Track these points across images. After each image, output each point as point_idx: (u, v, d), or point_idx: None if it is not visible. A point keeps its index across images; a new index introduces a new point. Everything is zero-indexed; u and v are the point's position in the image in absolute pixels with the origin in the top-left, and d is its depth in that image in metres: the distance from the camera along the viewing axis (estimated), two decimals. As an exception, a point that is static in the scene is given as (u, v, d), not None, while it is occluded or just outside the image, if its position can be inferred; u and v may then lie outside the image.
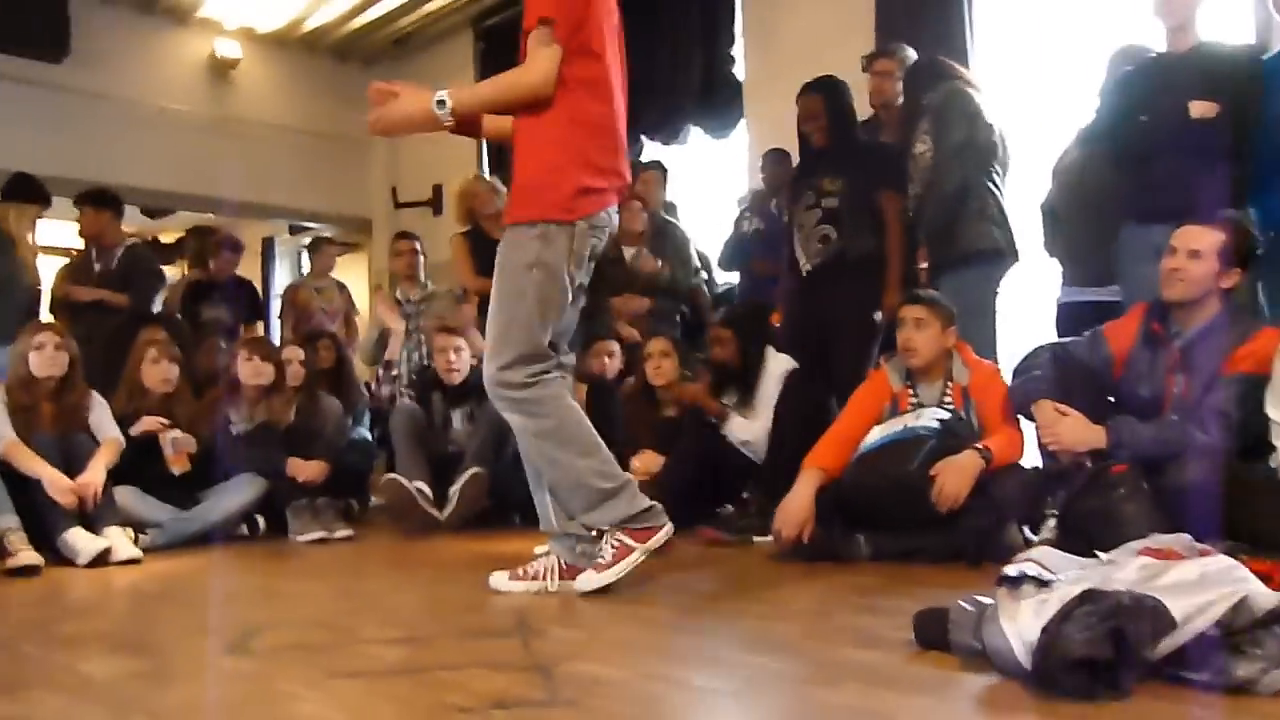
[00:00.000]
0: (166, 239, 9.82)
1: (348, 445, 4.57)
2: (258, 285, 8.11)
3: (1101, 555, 1.69)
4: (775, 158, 5.05)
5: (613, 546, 2.36)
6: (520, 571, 2.49)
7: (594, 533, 2.44)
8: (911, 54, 4.36)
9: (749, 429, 3.67)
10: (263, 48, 7.95)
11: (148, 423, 3.81)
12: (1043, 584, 1.56)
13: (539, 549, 2.63)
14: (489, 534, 3.85)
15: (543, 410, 2.35)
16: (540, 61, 2.29)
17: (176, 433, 3.82)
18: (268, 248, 9.63)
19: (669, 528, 2.42)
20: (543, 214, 2.33)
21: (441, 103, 2.32)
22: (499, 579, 2.50)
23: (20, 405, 3.62)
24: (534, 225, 2.33)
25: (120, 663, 1.88)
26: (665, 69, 6.29)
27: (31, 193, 5.26)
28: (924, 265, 3.82)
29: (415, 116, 2.37)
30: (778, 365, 3.74)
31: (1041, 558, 1.65)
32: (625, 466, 3.80)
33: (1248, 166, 3.20)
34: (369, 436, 5.04)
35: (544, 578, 2.46)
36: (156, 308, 5.52)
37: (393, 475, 4.02)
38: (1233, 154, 3.17)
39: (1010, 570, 1.62)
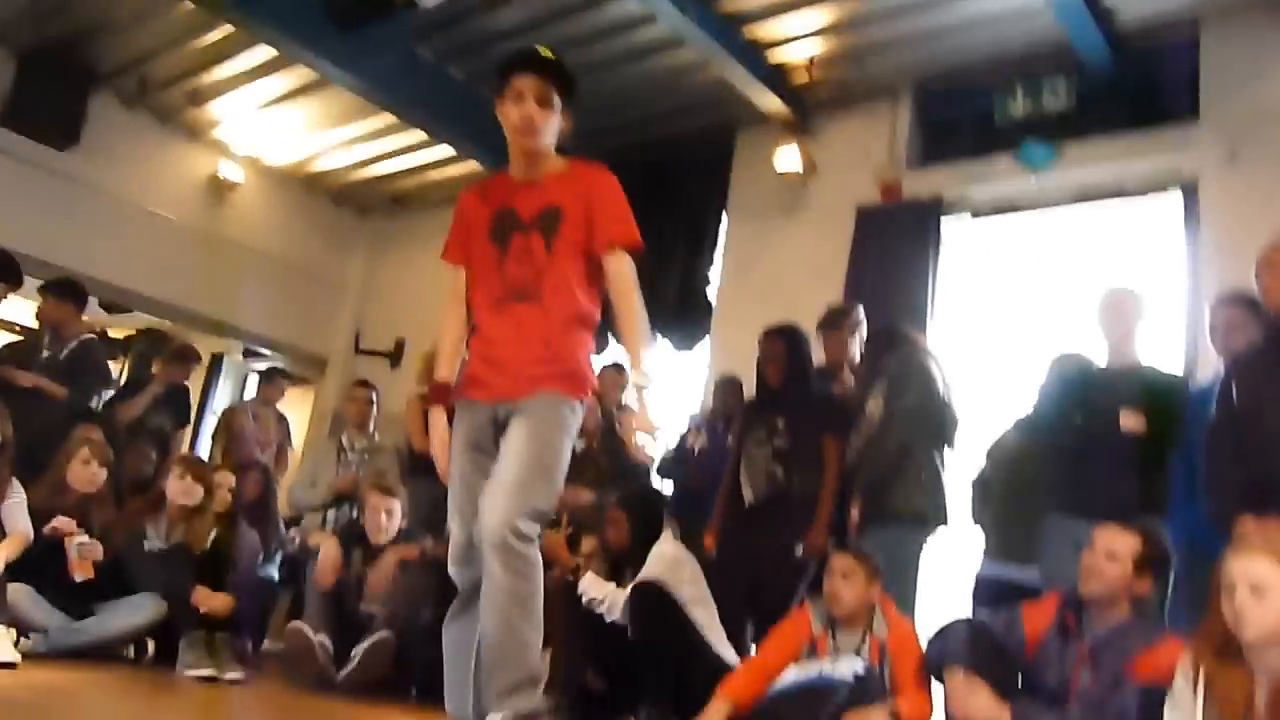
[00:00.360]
0: (115, 333, 9.78)
1: (255, 582, 4.46)
2: (195, 397, 8.07)
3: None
4: (729, 386, 5.23)
5: None
6: None
7: None
8: (862, 318, 4.61)
9: (603, 589, 3.65)
10: (265, 178, 8.20)
11: (60, 523, 3.72)
12: None
13: None
14: (383, 702, 3.73)
15: (531, 575, 2.35)
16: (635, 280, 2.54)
17: (84, 538, 3.72)
18: (215, 363, 9.61)
19: None
20: (581, 394, 2.51)
21: (644, 375, 2.48)
22: None
23: (-65, 482, 3.54)
24: (571, 403, 2.48)
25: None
26: (645, 278, 6.56)
27: (2, 270, 5.28)
28: (855, 517, 3.94)
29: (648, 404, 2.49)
30: (663, 547, 3.75)
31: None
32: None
33: (1166, 480, 3.45)
34: (275, 576, 4.93)
35: None
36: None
37: (298, 624, 3.92)
38: (1154, 466, 3.43)
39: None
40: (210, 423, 9.25)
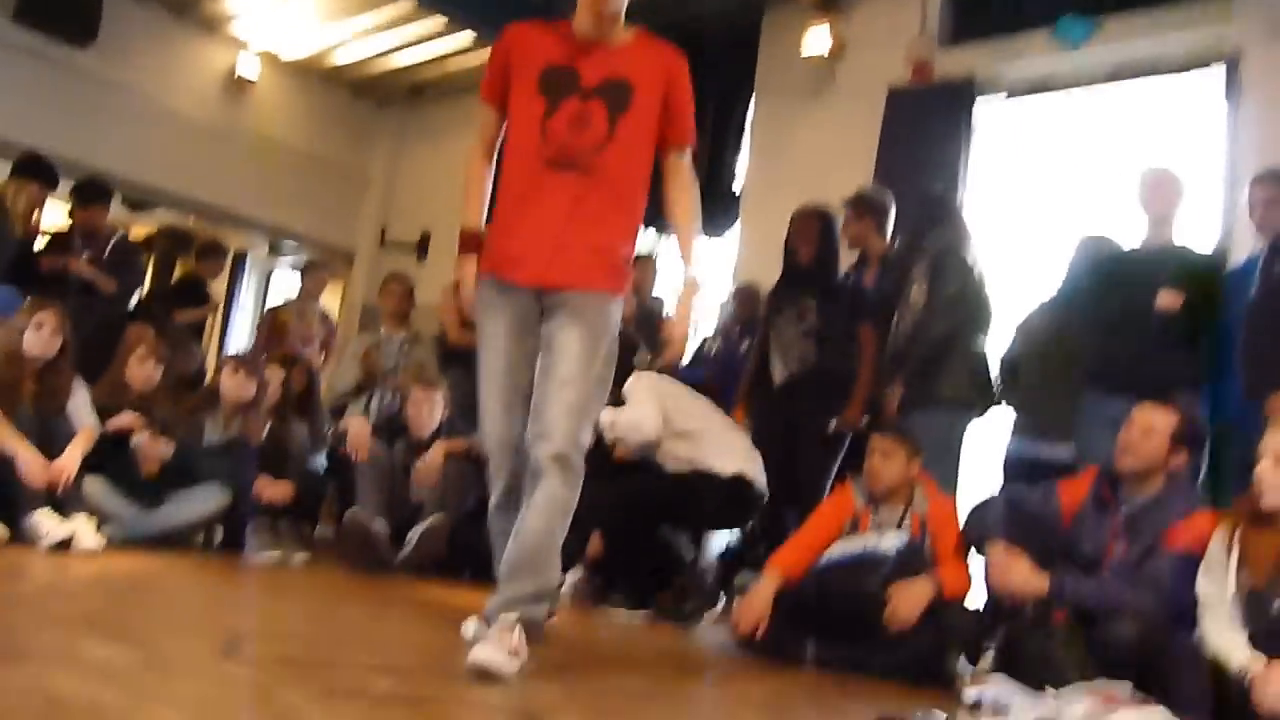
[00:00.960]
0: (137, 231, 9.84)
1: (307, 472, 4.62)
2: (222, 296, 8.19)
3: (1051, 691, 1.87)
4: (745, 294, 5.27)
5: (516, 638, 2.15)
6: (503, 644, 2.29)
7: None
8: (890, 205, 4.60)
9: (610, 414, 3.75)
10: (283, 72, 8.11)
11: (126, 419, 3.85)
12: (1000, 709, 1.73)
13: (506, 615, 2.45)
14: (439, 581, 3.92)
15: (578, 485, 2.34)
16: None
17: (147, 436, 3.85)
18: (238, 262, 9.69)
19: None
20: (624, 291, 2.45)
21: (695, 279, 2.45)
22: (471, 626, 2.37)
23: (3, 381, 3.65)
24: (618, 300, 2.43)
25: (119, 650, 1.95)
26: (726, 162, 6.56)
27: (38, 171, 5.33)
28: (894, 400, 4.03)
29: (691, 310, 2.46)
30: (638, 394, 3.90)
31: (998, 686, 1.82)
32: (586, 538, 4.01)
33: (1201, 358, 3.53)
34: (322, 466, 5.10)
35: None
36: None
37: (355, 510, 4.09)
38: (1191, 344, 3.50)
39: (970, 694, 1.78)
40: (238, 319, 9.45)
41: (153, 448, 3.82)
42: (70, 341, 3.79)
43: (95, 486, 3.64)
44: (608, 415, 3.68)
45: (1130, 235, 3.84)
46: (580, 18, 2.40)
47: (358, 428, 4.38)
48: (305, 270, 6.41)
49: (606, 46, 2.40)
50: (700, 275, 2.46)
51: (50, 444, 3.54)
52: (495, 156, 2.57)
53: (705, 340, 5.45)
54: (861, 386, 4.17)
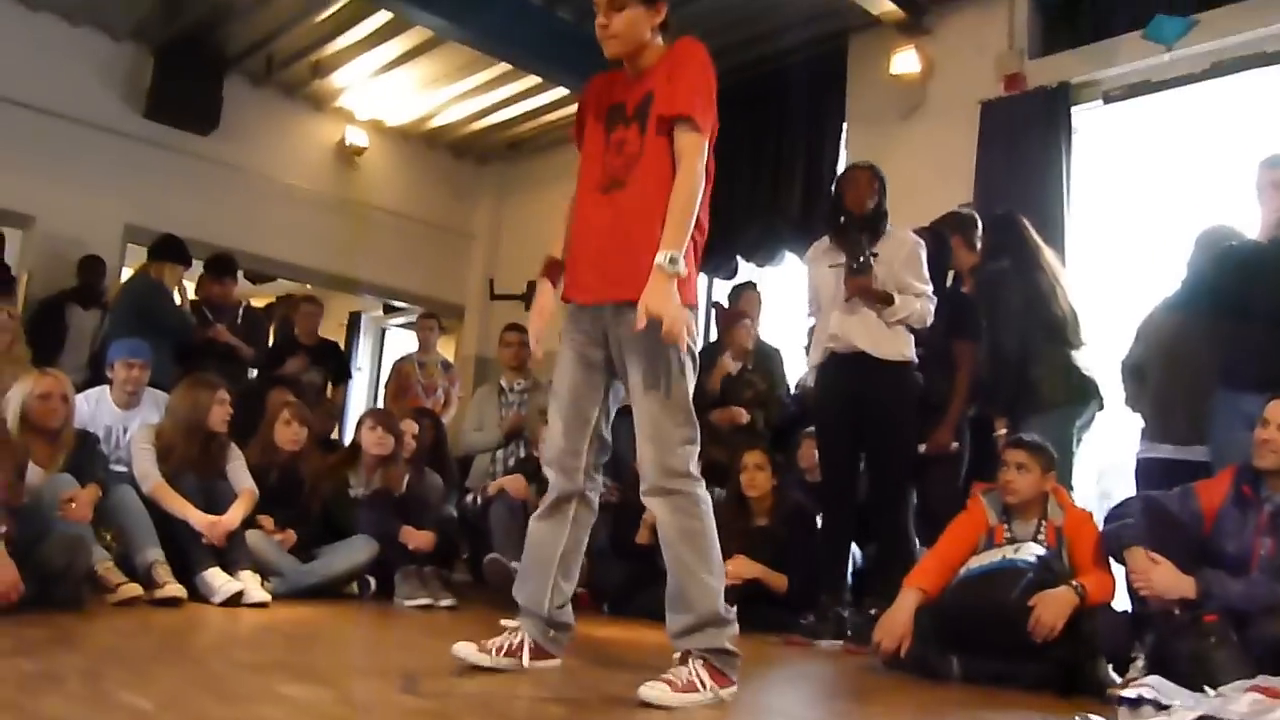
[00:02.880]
0: (256, 302, 10.39)
1: (444, 520, 4.82)
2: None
3: (1210, 690, 1.88)
4: None
5: (691, 673, 2.27)
6: (490, 645, 2.48)
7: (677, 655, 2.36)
8: (973, 219, 4.67)
9: None
10: (388, 139, 8.53)
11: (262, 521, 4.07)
12: (1161, 708, 1.76)
13: (507, 622, 2.59)
14: (580, 618, 4.03)
15: (696, 510, 2.38)
16: (699, 161, 2.37)
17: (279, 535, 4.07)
18: (354, 321, 10.14)
19: (735, 688, 2.36)
20: (687, 300, 2.38)
21: (674, 260, 2.28)
22: (464, 649, 2.46)
23: (169, 447, 3.94)
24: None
25: (312, 690, 2.12)
26: (767, 193, 6.67)
27: (179, 254, 5.73)
28: (1001, 432, 4.01)
29: (668, 291, 2.28)
30: None
31: (1157, 685, 1.84)
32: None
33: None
34: (454, 514, 5.30)
35: (518, 654, 2.49)
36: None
37: (495, 556, 4.26)
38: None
39: (1129, 693, 1.81)
40: (356, 377, 9.87)
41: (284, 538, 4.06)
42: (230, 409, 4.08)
43: (258, 540, 3.88)
44: None
45: (1250, 228, 3.77)
46: (625, 62, 2.53)
47: (515, 483, 4.65)
48: (419, 324, 6.69)
49: (640, 75, 2.51)
50: (674, 260, 2.27)
51: (214, 507, 3.80)
52: None
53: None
54: (955, 407, 4.18)
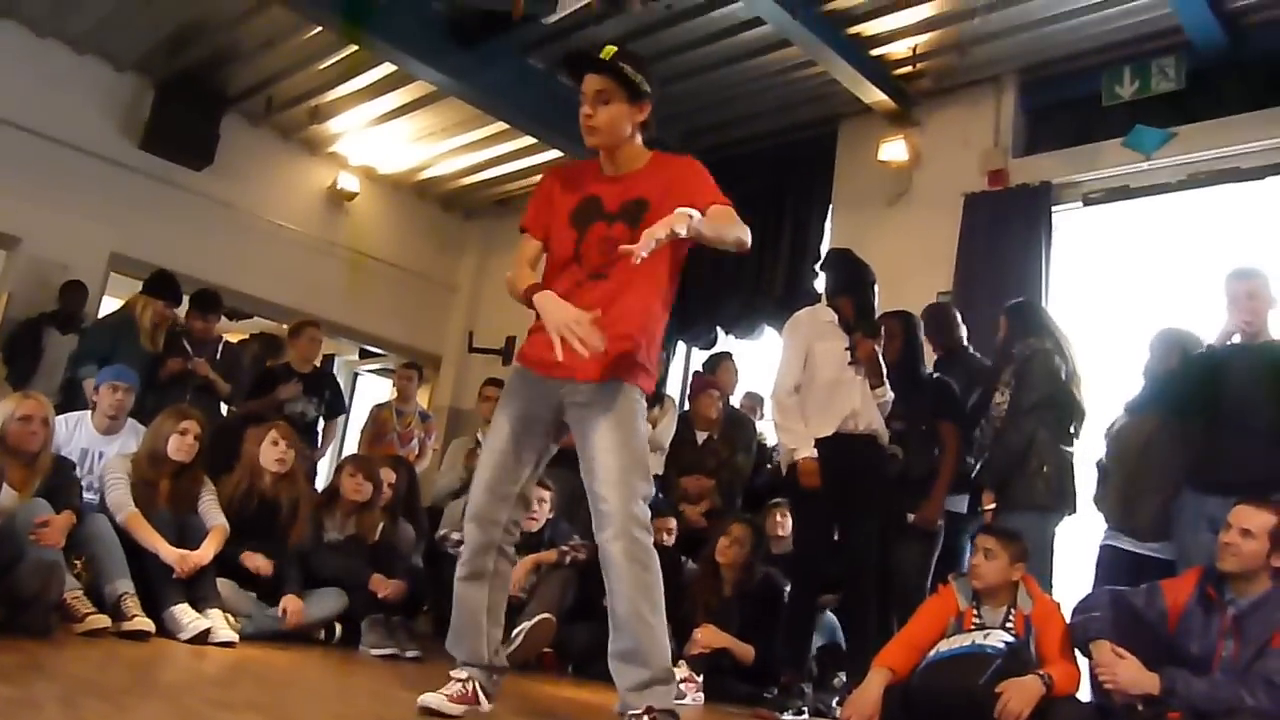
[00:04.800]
0: (230, 338, 10.32)
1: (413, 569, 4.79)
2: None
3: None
4: None
5: None
6: (452, 693, 2.53)
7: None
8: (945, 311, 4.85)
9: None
10: (379, 187, 8.63)
11: (259, 563, 4.00)
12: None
13: (456, 673, 2.62)
14: (545, 678, 4.03)
15: (652, 563, 2.44)
16: (738, 220, 2.49)
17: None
18: (327, 363, 10.08)
19: None
20: (647, 389, 2.58)
21: (691, 218, 2.33)
22: (433, 699, 2.50)
23: (143, 479, 3.91)
24: (641, 394, 2.55)
25: (290, 732, 2.12)
26: (752, 270, 6.80)
27: (166, 291, 5.70)
28: (990, 507, 4.11)
29: (669, 221, 2.31)
30: None
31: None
32: (687, 636, 4.12)
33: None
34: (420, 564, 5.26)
35: (474, 701, 2.54)
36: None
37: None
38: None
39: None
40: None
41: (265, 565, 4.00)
42: (205, 446, 4.05)
43: (225, 586, 3.83)
44: None
45: (1214, 334, 3.89)
46: (602, 154, 2.64)
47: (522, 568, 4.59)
48: (399, 373, 6.68)
49: (623, 176, 2.61)
50: (697, 221, 2.33)
51: (186, 542, 3.75)
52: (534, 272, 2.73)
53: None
54: (941, 485, 4.27)
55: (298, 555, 4.11)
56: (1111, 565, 4.03)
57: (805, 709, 3.79)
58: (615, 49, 2.56)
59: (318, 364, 6.34)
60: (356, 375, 10.22)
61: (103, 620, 3.25)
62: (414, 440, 6.16)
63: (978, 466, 4.33)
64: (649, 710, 2.37)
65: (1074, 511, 4.15)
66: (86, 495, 3.89)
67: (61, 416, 4.07)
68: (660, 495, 5.02)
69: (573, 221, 2.60)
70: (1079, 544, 4.34)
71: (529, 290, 2.52)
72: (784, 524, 4.74)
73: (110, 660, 2.83)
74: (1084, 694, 3.16)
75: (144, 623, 3.33)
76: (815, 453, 3.82)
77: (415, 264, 8.84)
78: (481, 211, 9.04)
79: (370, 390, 9.76)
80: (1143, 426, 4.09)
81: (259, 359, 10.01)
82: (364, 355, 9.67)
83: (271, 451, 4.20)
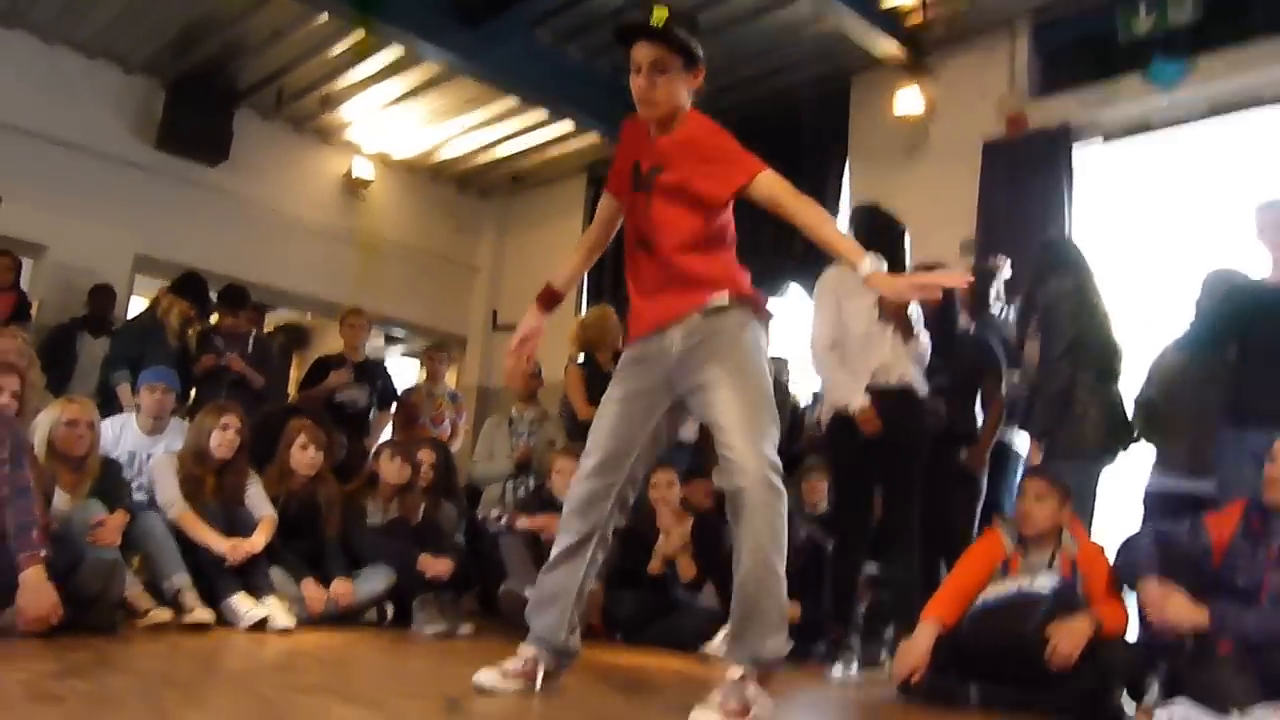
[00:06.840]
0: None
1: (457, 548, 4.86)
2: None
3: (1237, 712, 1.95)
4: None
5: (743, 695, 2.24)
6: (508, 669, 2.51)
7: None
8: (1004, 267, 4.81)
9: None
10: (394, 172, 8.65)
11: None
12: (1193, 729, 1.83)
13: (523, 647, 2.59)
14: (596, 647, 4.08)
15: (785, 512, 2.30)
16: (789, 187, 2.39)
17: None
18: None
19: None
20: (749, 300, 2.45)
21: (870, 261, 2.29)
22: (487, 677, 2.49)
23: (190, 476, 3.98)
24: (749, 317, 2.42)
25: (363, 712, 2.16)
26: (770, 229, 6.78)
27: (192, 290, 5.78)
28: (1036, 458, 4.12)
29: (889, 280, 2.37)
30: None
31: (1186, 707, 1.91)
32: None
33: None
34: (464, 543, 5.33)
35: (531, 677, 2.51)
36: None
37: (508, 587, 4.31)
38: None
39: (1160, 715, 1.88)
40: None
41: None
42: (248, 440, 4.11)
43: (275, 574, 3.91)
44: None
45: (1254, 268, 3.88)
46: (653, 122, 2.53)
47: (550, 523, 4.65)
48: (427, 354, 6.73)
49: (661, 138, 2.51)
50: (869, 262, 2.28)
51: (234, 533, 3.83)
52: (605, 232, 2.74)
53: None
54: (988, 430, 4.36)
55: (339, 540, 4.18)
56: (1157, 509, 4.03)
57: (856, 661, 3.83)
58: (667, 13, 2.38)
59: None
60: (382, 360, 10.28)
61: (165, 614, 3.35)
62: (445, 422, 6.21)
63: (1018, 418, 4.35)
64: (758, 662, 2.31)
65: (1126, 449, 4.14)
66: (136, 495, 3.98)
67: (106, 421, 4.14)
68: (695, 458, 5.07)
69: (631, 185, 2.55)
70: (1117, 488, 4.35)
71: (539, 295, 2.67)
72: (819, 487, 4.76)
73: (176, 653, 2.90)
74: (1131, 634, 3.19)
75: (205, 614, 3.42)
76: (868, 399, 3.77)
77: (435, 246, 8.89)
78: (497, 190, 9.05)
79: (397, 374, 9.81)
80: (1188, 362, 4.05)
81: (285, 350, 10.18)
82: (388, 340, 9.73)
83: (302, 456, 4.26)
